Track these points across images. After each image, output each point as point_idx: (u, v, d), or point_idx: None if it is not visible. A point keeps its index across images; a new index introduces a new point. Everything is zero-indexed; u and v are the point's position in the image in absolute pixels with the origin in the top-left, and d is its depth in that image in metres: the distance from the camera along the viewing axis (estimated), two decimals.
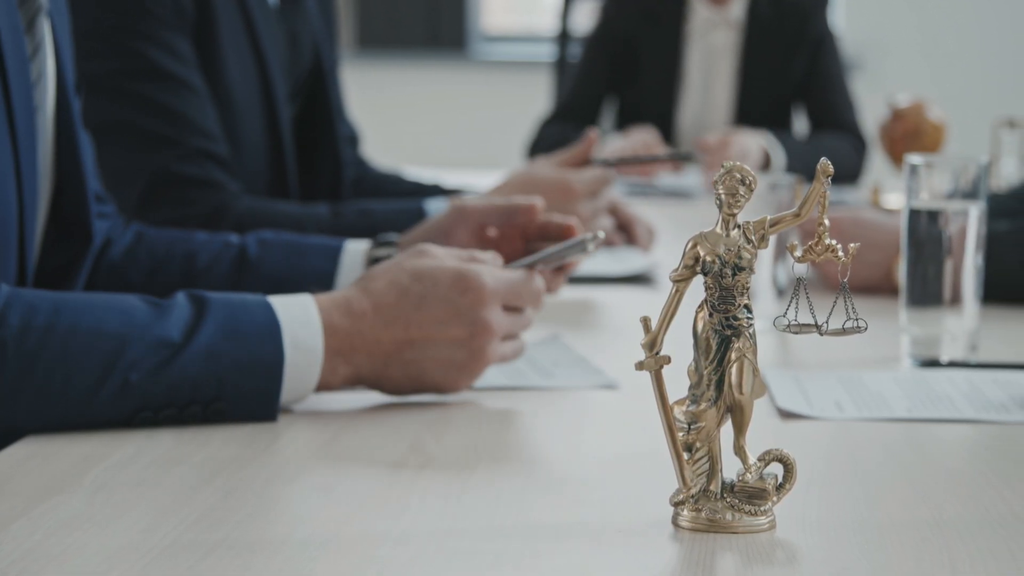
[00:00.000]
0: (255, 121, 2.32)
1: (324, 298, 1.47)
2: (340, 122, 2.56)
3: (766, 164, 3.75)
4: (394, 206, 2.24)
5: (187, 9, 2.21)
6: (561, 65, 4.67)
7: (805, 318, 1.10)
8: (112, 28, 2.19)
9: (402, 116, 7.04)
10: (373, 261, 1.79)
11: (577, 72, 4.34)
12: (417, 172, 2.91)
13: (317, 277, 1.75)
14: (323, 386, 1.46)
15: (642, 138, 3.82)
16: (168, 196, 2.19)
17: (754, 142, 3.74)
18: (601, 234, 1.63)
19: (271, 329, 1.41)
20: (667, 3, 4.22)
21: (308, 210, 2.23)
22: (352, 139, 2.66)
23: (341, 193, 2.53)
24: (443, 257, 1.52)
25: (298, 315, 1.43)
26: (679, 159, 3.81)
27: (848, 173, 3.96)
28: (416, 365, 1.48)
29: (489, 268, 1.51)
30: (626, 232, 2.50)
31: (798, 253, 1.09)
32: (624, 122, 4.22)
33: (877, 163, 4.12)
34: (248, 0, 2.29)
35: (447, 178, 2.93)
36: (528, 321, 1.56)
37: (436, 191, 2.56)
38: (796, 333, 1.11)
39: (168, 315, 1.39)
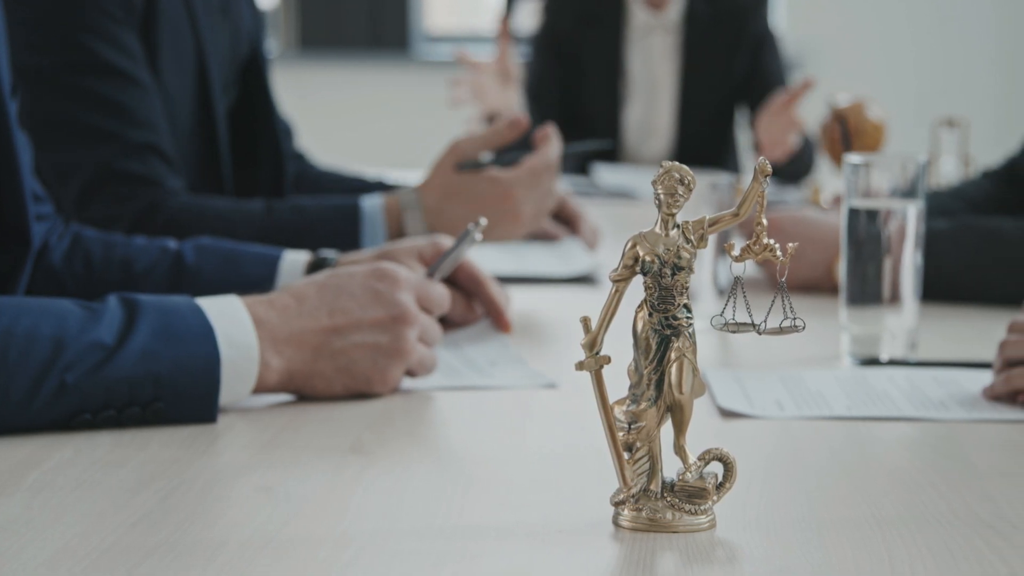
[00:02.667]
0: (189, 112, 2.31)
1: (247, 298, 1.49)
2: (277, 114, 2.56)
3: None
4: (328, 202, 2.23)
5: (136, 3, 2.20)
6: None
7: (742, 317, 1.11)
8: (58, 21, 2.17)
9: (345, 117, 7.03)
10: (312, 271, 1.78)
11: (529, 74, 4.34)
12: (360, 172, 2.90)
13: (254, 285, 1.74)
14: (259, 384, 1.46)
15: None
16: (105, 192, 2.18)
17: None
18: (483, 220, 1.67)
19: (204, 329, 1.42)
20: (605, 6, 4.23)
21: (241, 206, 2.22)
22: (287, 132, 2.65)
23: (283, 185, 2.52)
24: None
25: (227, 313, 1.44)
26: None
27: (804, 169, 3.99)
28: (344, 355, 1.50)
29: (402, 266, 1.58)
30: (570, 226, 2.51)
31: (735, 252, 1.10)
32: (573, 127, 4.22)
33: (818, 162, 4.14)
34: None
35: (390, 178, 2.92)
36: (436, 330, 1.58)
37: (379, 187, 2.54)
38: (733, 332, 1.11)
39: (100, 318, 1.39)
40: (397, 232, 2.19)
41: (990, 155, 2.97)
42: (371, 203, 2.19)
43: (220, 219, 2.17)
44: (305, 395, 1.51)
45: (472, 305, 1.79)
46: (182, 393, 1.40)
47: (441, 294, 1.60)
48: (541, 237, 2.58)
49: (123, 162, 2.18)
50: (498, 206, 2.17)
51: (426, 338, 1.56)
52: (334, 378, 1.50)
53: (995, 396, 1.53)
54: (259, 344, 1.45)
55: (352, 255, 1.82)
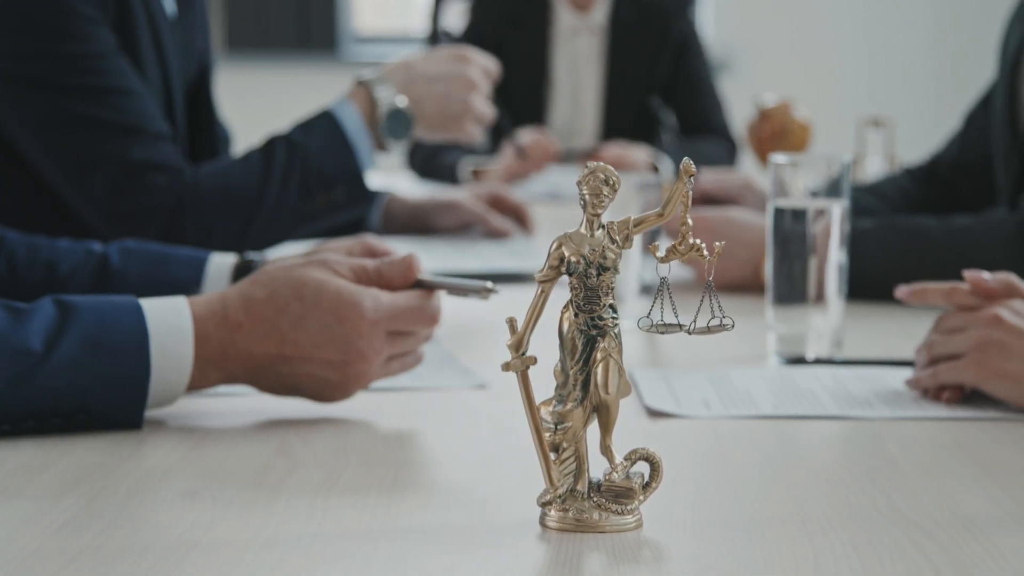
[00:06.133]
0: None
1: (200, 304, 1.44)
2: (217, 124, 2.55)
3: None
4: (299, 122, 2.34)
5: (109, 7, 2.21)
6: None
7: (669, 318, 1.11)
8: (38, 28, 2.16)
9: (273, 118, 6.97)
10: (239, 274, 1.76)
11: None
12: None
13: (181, 287, 1.72)
14: (194, 388, 1.44)
15: (534, 138, 3.83)
16: (134, 185, 2.19)
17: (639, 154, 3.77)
18: (492, 286, 1.59)
19: (138, 338, 1.38)
20: (531, 8, 4.24)
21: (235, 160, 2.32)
22: (225, 139, 2.65)
23: None
24: (335, 270, 1.48)
25: (169, 320, 1.40)
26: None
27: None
28: (290, 379, 1.46)
29: (374, 293, 1.47)
30: (517, 218, 2.80)
31: (661, 253, 1.10)
32: (497, 127, 4.21)
33: (746, 162, 4.16)
34: (154, 11, 2.27)
35: None
36: (420, 339, 1.52)
37: None
38: (662, 333, 1.11)
39: (29, 322, 1.36)
40: (369, 109, 2.33)
41: (917, 155, 2.99)
42: (337, 101, 2.32)
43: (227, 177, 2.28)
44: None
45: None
46: (108, 405, 1.37)
47: (430, 311, 1.50)
48: (492, 234, 2.78)
49: (141, 153, 2.20)
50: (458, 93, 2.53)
51: (399, 354, 1.50)
52: (278, 391, 1.48)
53: (921, 388, 1.54)
54: (194, 358, 1.40)
55: (281, 256, 1.80)
